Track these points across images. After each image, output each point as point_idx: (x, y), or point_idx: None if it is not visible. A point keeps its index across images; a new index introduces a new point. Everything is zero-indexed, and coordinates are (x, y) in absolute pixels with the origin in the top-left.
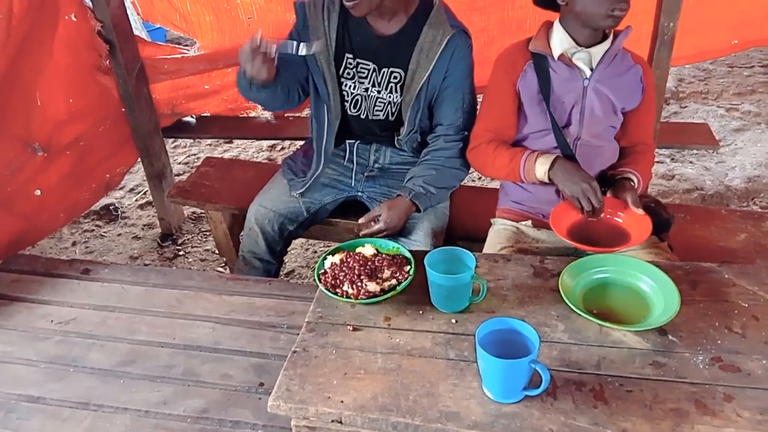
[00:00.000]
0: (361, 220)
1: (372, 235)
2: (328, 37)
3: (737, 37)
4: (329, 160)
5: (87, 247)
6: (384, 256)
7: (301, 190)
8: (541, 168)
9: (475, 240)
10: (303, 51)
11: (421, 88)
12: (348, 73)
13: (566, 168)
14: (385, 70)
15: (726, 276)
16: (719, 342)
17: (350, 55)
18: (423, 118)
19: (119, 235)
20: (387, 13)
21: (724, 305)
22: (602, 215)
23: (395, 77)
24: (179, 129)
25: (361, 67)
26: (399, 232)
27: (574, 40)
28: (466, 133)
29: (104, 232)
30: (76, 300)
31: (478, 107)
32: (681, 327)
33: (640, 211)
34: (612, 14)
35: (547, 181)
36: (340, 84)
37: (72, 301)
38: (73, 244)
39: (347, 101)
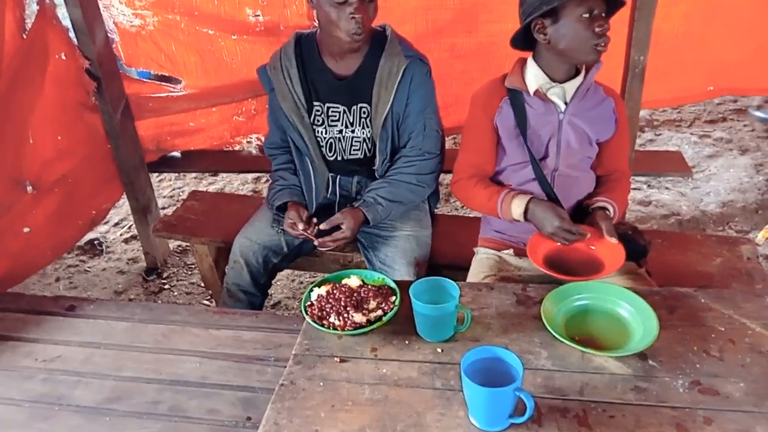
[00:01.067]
0: (323, 225)
1: (338, 245)
2: (293, 92)
3: (713, 84)
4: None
5: (71, 283)
6: (369, 287)
7: (284, 228)
8: (516, 210)
9: (458, 269)
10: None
11: (385, 118)
12: (318, 120)
13: (540, 209)
14: (355, 107)
15: (702, 300)
16: (698, 366)
17: (318, 103)
18: (394, 145)
19: (104, 269)
20: (345, 54)
21: (701, 329)
22: (582, 238)
23: (364, 112)
24: (164, 164)
25: (332, 111)
26: (379, 259)
27: (548, 75)
28: (427, 154)
29: (88, 267)
30: (61, 337)
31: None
32: (661, 352)
33: (614, 240)
34: (596, 48)
35: (523, 221)
36: (314, 132)
37: (57, 338)
38: (57, 279)
39: (322, 146)
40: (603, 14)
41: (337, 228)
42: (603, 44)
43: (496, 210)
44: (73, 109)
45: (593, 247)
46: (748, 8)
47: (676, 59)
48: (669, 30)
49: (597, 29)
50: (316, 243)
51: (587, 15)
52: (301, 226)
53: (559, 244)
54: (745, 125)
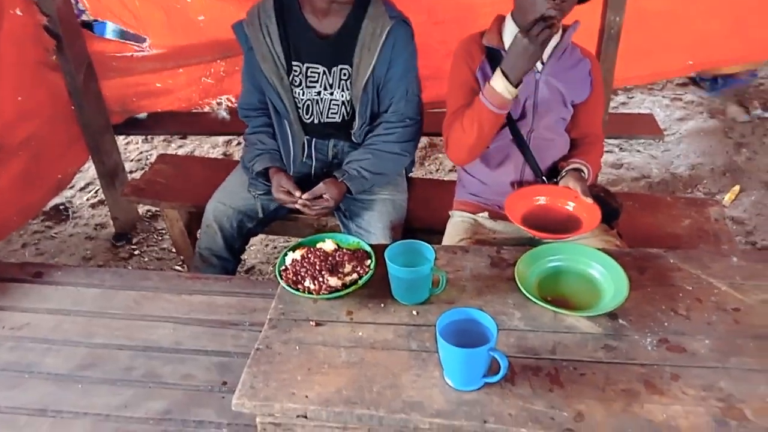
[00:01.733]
0: (305, 196)
1: (319, 214)
2: (273, 51)
3: (692, 58)
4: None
5: (38, 249)
6: (344, 250)
7: (262, 193)
8: (499, 82)
9: (433, 232)
10: None
11: (366, 81)
12: (296, 81)
13: (510, 53)
14: (335, 69)
15: (671, 261)
16: (666, 324)
17: (297, 62)
18: (373, 110)
19: (71, 235)
20: (329, 12)
21: (670, 289)
22: (554, 199)
23: (344, 74)
24: (131, 126)
25: (311, 71)
26: (354, 223)
27: None
28: (409, 120)
29: (55, 232)
30: (28, 304)
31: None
32: (630, 311)
33: (590, 200)
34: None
35: (513, 86)
36: (293, 94)
37: (24, 305)
38: (23, 246)
39: (299, 108)
40: None
41: (319, 197)
42: (551, 15)
43: (486, 107)
44: (32, 68)
45: (569, 207)
46: None
47: (658, 37)
48: (652, 9)
49: (548, 3)
50: (303, 210)
51: None
52: (298, 194)
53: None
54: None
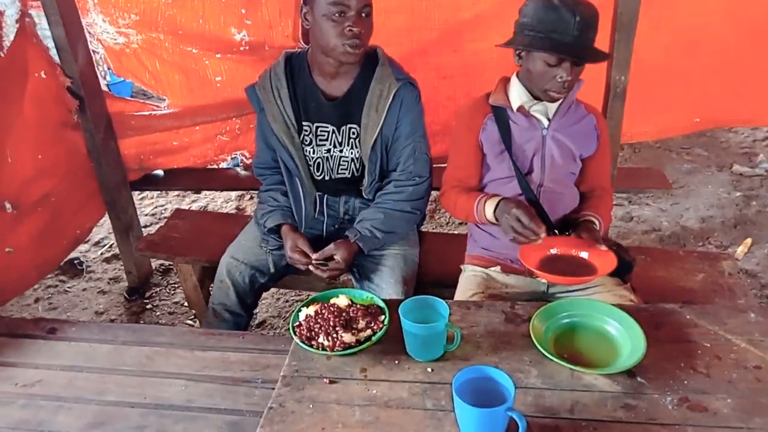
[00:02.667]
0: (315, 256)
1: (331, 276)
2: (284, 112)
3: (699, 116)
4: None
5: (51, 304)
6: (358, 306)
7: (273, 248)
8: (489, 209)
9: (445, 286)
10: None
11: (375, 141)
12: (306, 140)
13: (501, 205)
14: (344, 128)
15: (688, 317)
16: (685, 382)
17: (307, 123)
18: (383, 168)
19: (84, 290)
20: (337, 74)
21: (687, 346)
22: (569, 248)
23: (353, 133)
24: (146, 182)
25: (321, 131)
26: (367, 278)
27: (531, 93)
28: (418, 178)
29: (69, 287)
30: (41, 361)
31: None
32: (649, 369)
33: (604, 248)
34: (549, 93)
35: (495, 222)
36: (303, 152)
37: (37, 362)
38: (36, 300)
39: (310, 166)
40: (572, 63)
41: (330, 258)
42: (558, 92)
43: (473, 214)
44: (53, 127)
45: (583, 255)
46: (730, 41)
47: (661, 92)
48: (652, 62)
49: (558, 79)
50: (314, 271)
51: (553, 63)
52: (314, 256)
53: (516, 241)
54: (722, 142)
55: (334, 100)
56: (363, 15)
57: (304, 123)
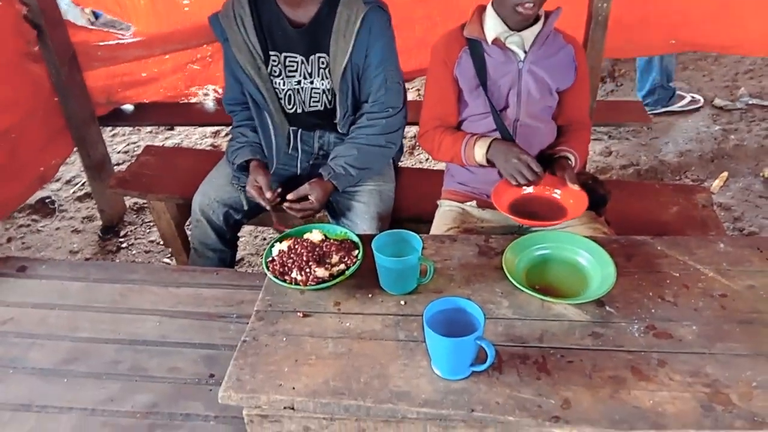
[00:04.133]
0: (290, 196)
1: (305, 215)
2: (248, 42)
3: (675, 38)
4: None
5: (23, 243)
6: (332, 241)
7: (244, 185)
8: (479, 152)
9: (421, 221)
10: None
11: (344, 69)
12: (275, 71)
13: (500, 148)
14: (313, 57)
15: (658, 248)
16: (653, 311)
17: (275, 52)
18: (355, 98)
19: (57, 229)
20: (301, 1)
21: (657, 276)
22: (541, 187)
23: (322, 62)
24: (117, 117)
25: (289, 61)
26: (342, 214)
27: (506, 24)
28: (391, 109)
29: (41, 226)
30: (12, 299)
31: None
32: (617, 298)
33: (577, 188)
34: (516, 9)
35: (485, 164)
36: (272, 84)
37: (8, 300)
38: (8, 240)
39: (281, 98)
40: None
41: (305, 198)
42: (525, 6)
43: (460, 156)
44: (11, 60)
45: (556, 195)
46: None
47: (639, 11)
48: None
49: None
50: (269, 210)
51: None
52: (268, 195)
53: (517, 185)
54: (704, 75)
55: (300, 27)
56: None
57: (271, 53)
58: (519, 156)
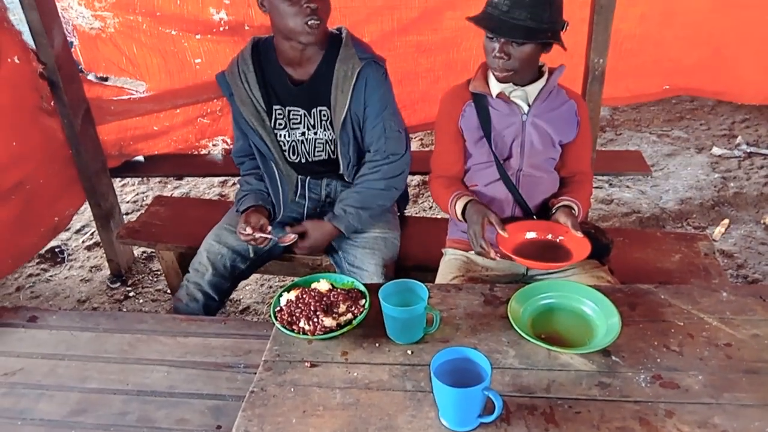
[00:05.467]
0: (288, 229)
1: (302, 250)
2: (252, 96)
3: (668, 83)
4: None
5: (32, 292)
6: (339, 290)
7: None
8: (459, 210)
9: (427, 270)
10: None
11: (344, 122)
12: (279, 123)
13: (469, 212)
14: (314, 110)
15: (662, 296)
16: (659, 360)
17: (279, 106)
18: (359, 149)
19: (66, 278)
20: (302, 59)
21: (661, 325)
22: (545, 233)
23: (324, 115)
24: (127, 169)
25: (293, 114)
26: (347, 261)
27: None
28: (392, 156)
29: (50, 275)
30: (22, 349)
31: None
32: (623, 348)
33: (580, 234)
34: (490, 66)
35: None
36: (276, 136)
37: (18, 350)
38: (17, 289)
39: (284, 150)
40: (505, 41)
41: (303, 234)
42: (493, 66)
43: (449, 211)
44: (28, 114)
45: (560, 240)
46: (704, 12)
47: (634, 59)
48: (627, 30)
49: (493, 54)
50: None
51: (490, 37)
52: (248, 230)
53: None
54: (701, 124)
55: (301, 84)
56: None
57: (275, 107)
58: (474, 228)
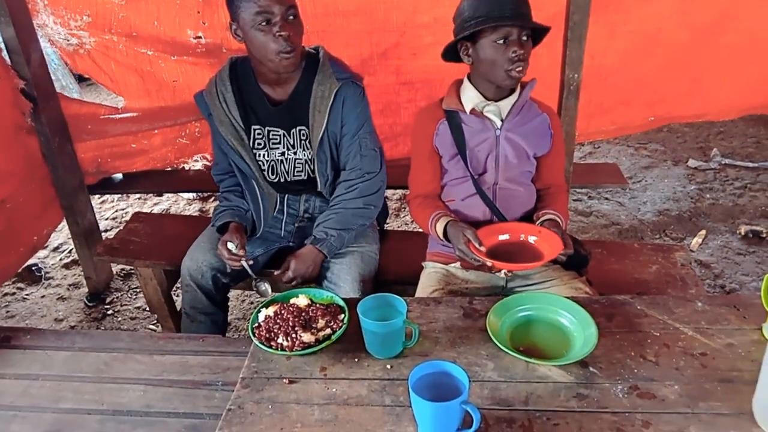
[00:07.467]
0: (277, 273)
1: (291, 284)
2: (230, 115)
3: (652, 114)
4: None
5: (8, 312)
6: (318, 305)
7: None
8: (440, 230)
9: (407, 284)
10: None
11: (321, 141)
12: (259, 143)
13: (451, 233)
14: (294, 130)
15: (639, 307)
16: (635, 371)
17: (258, 126)
18: (335, 167)
19: (43, 296)
20: (279, 80)
21: (638, 335)
22: (518, 234)
23: (303, 135)
24: (106, 186)
25: (273, 134)
26: (316, 278)
27: (482, 95)
28: (368, 174)
29: (26, 294)
30: None
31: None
32: (600, 359)
33: (570, 251)
34: (509, 74)
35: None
36: (255, 155)
37: None
38: None
39: (264, 170)
40: (522, 40)
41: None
42: (517, 70)
43: (429, 231)
44: (8, 132)
45: (532, 240)
46: (684, 42)
47: (618, 94)
48: (610, 66)
49: (511, 55)
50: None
51: (501, 41)
52: (241, 253)
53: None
54: (677, 137)
55: (279, 104)
56: (290, 18)
57: (255, 127)
58: (461, 248)
